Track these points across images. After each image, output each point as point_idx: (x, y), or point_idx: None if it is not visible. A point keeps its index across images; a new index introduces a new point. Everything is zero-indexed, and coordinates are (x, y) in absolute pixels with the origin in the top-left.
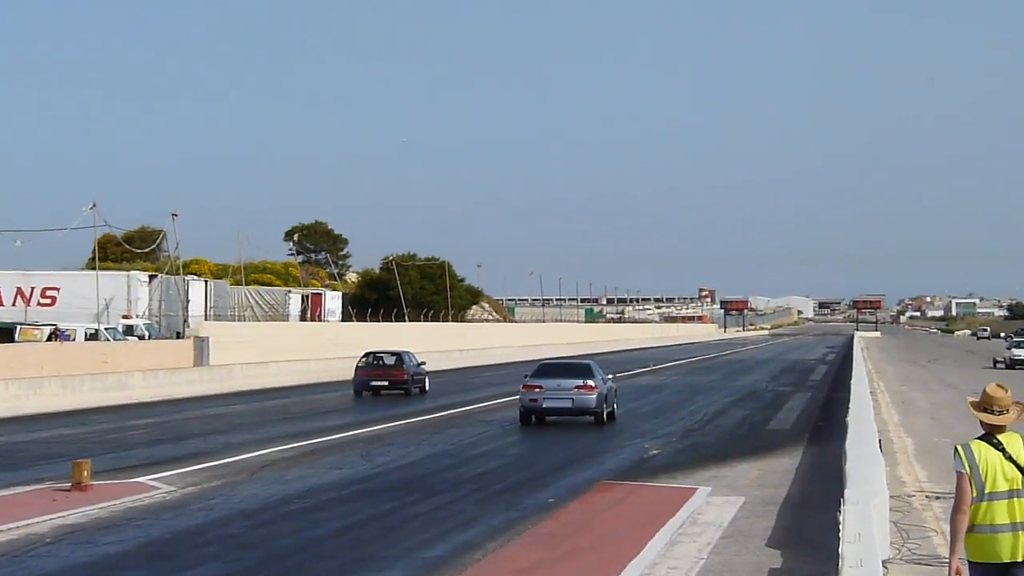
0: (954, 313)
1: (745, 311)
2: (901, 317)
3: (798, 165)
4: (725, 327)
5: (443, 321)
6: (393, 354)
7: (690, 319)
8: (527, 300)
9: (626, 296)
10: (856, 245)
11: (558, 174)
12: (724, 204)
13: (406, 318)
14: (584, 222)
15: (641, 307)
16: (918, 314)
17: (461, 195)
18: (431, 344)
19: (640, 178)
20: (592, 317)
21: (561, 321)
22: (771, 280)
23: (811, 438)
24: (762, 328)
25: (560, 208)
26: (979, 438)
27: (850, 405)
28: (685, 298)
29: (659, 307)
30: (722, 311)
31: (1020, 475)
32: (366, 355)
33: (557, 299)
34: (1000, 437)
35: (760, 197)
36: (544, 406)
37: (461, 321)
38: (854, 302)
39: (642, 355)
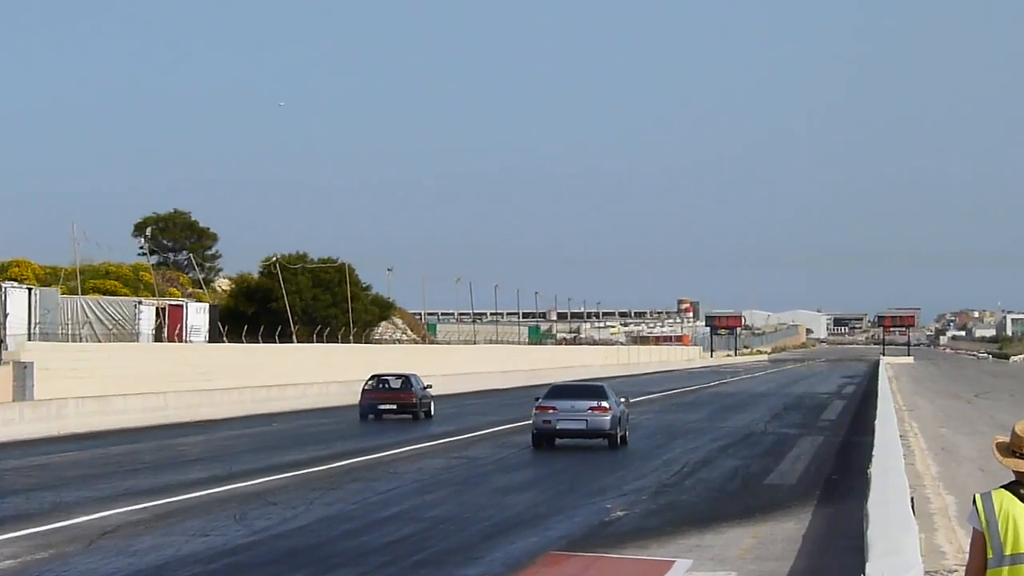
0: (1009, 332)
1: (738, 329)
2: (941, 337)
3: (805, 143)
4: (712, 350)
5: (343, 342)
6: (399, 376)
7: (667, 340)
8: (453, 315)
9: (583, 310)
10: (882, 244)
11: (494, 154)
12: (711, 193)
13: (294, 337)
14: (528, 216)
15: (603, 324)
16: (963, 333)
17: (365, 180)
18: (327, 372)
19: (600, 160)
20: (538, 337)
21: (497, 342)
22: (772, 290)
23: (823, 496)
24: (760, 351)
25: (497, 198)
26: (1004, 486)
27: (874, 453)
28: (660, 312)
29: (626, 324)
30: (708, 329)
31: None
32: (372, 378)
33: (492, 313)
34: None
35: (758, 184)
36: (558, 427)
37: (367, 342)
38: (879, 318)
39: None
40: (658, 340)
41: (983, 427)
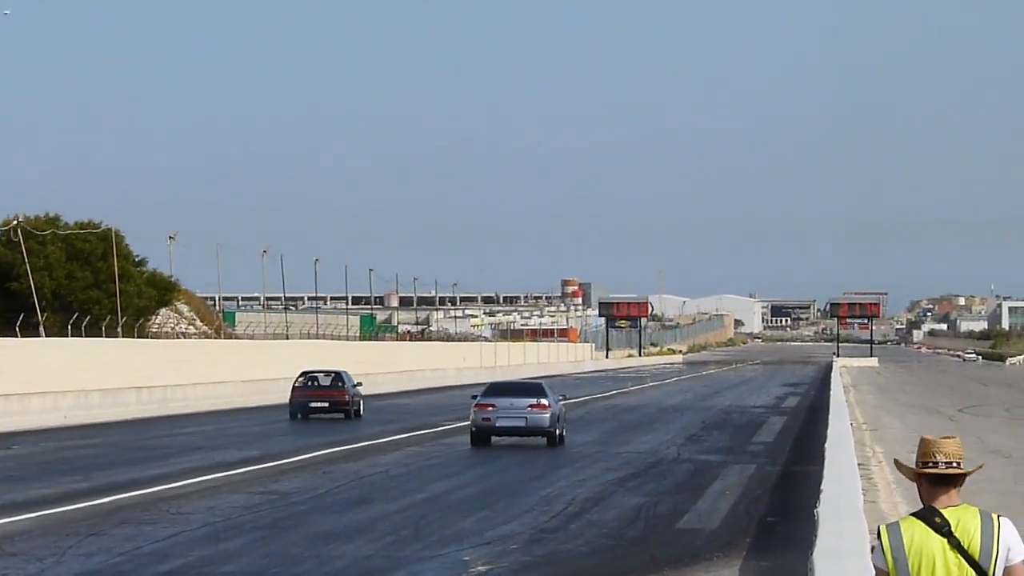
0: (1005, 325)
1: (644, 321)
2: (915, 332)
3: (727, 80)
4: (608, 348)
5: (109, 335)
6: (329, 373)
7: (547, 334)
8: (258, 300)
9: (433, 294)
10: (835, 210)
11: (316, 89)
12: (608, 150)
13: (41, 328)
14: (362, 174)
15: (461, 312)
16: (944, 327)
17: (139, 121)
18: (87, 376)
19: (463, 107)
20: (372, 329)
21: (317, 337)
22: (690, 270)
23: (755, 545)
24: (673, 350)
25: (317, 148)
26: (915, 514)
27: (823, 487)
28: (539, 298)
29: (492, 314)
30: (603, 320)
31: (972, 573)
32: (301, 375)
33: (312, 298)
34: (947, 513)
35: (669, 136)
36: (498, 425)
37: (140, 336)
38: (832, 306)
39: (449, 401)
40: (535, 334)
41: (969, 452)
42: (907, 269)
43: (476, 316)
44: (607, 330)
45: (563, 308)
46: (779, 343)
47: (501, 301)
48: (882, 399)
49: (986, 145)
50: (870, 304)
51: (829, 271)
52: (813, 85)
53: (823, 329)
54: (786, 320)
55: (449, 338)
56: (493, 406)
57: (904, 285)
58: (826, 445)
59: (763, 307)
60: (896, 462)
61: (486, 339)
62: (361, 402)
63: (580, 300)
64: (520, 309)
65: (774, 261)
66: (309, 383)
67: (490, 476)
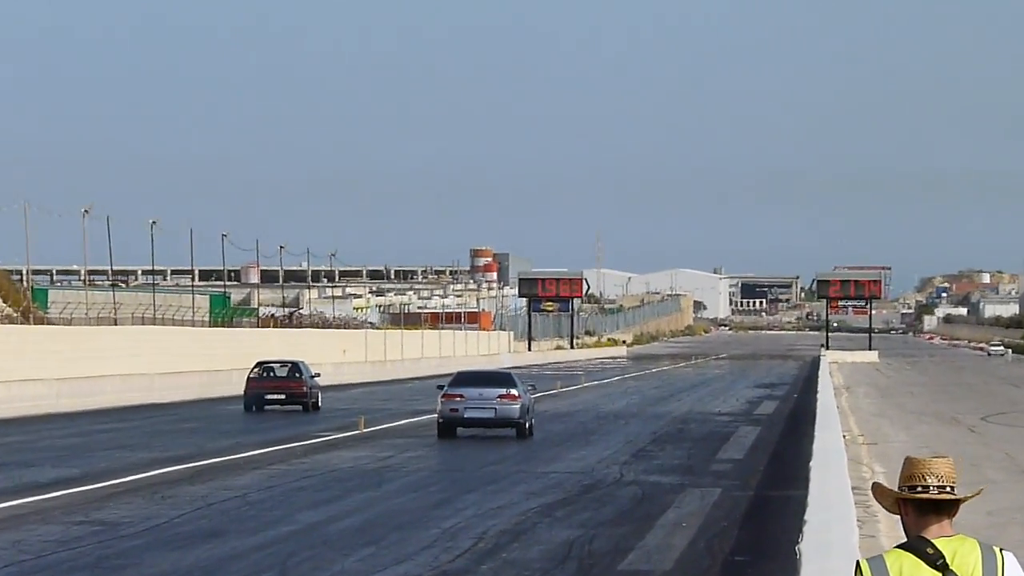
0: None
1: (578, 302)
2: (926, 318)
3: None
4: (531, 338)
5: None
6: (285, 364)
7: (452, 319)
8: (78, 275)
9: (305, 267)
10: (824, 164)
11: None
12: (529, 90)
13: None
14: (214, 116)
15: (342, 290)
16: (963, 311)
17: None
18: None
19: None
20: (226, 312)
21: (155, 322)
22: (637, 238)
23: None
24: (616, 341)
25: (153, 90)
26: (901, 546)
27: (807, 518)
28: (441, 272)
29: (381, 292)
30: (524, 302)
31: None
32: (257, 365)
33: (148, 272)
34: (940, 544)
35: (606, 78)
36: (466, 416)
37: None
38: (819, 283)
39: (325, 405)
40: (437, 320)
41: (996, 472)
42: (916, 237)
43: (360, 296)
44: (529, 314)
45: (473, 286)
46: (752, 332)
47: (393, 277)
48: (884, 404)
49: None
50: (869, 282)
51: (816, 241)
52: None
53: (809, 314)
54: (761, 303)
55: (325, 324)
56: (461, 396)
57: (912, 258)
58: (811, 464)
59: (731, 286)
60: (874, 487)
61: (373, 325)
62: (320, 394)
63: (495, 276)
64: (417, 287)
65: (745, 228)
66: (265, 374)
67: (377, 502)
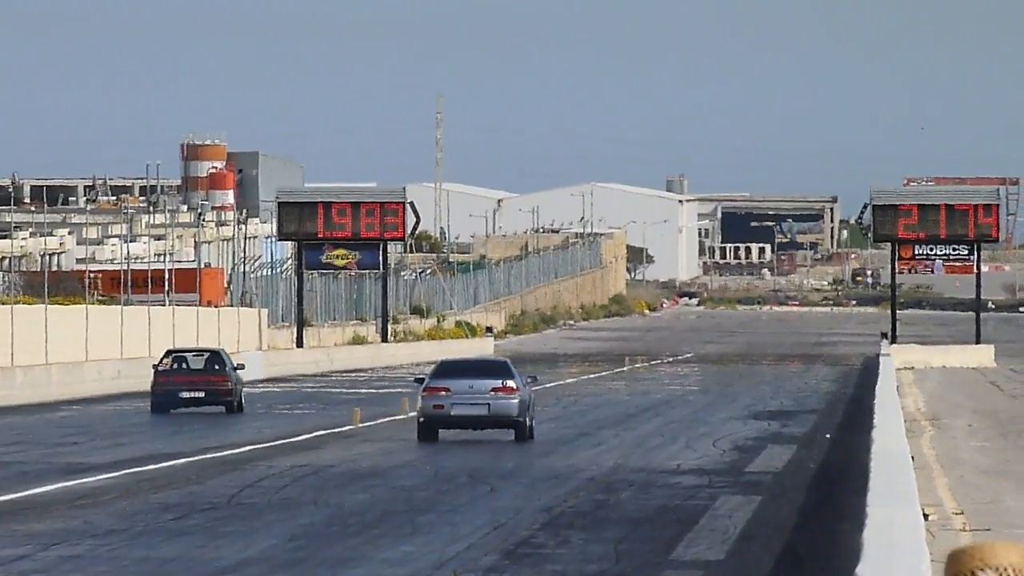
0: None
1: (399, 250)
2: None
3: None
4: (304, 321)
5: None
6: (201, 352)
7: (146, 283)
8: None
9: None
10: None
11: None
12: None
13: None
14: None
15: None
16: None
17: None
18: None
19: None
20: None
21: None
22: (515, 122)
23: None
24: (473, 328)
25: None
26: None
27: None
28: (126, 187)
29: (3, 229)
30: (287, 249)
31: None
32: (166, 354)
33: None
34: None
35: None
36: (453, 413)
37: None
38: (876, 210)
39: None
40: (112, 284)
41: None
42: None
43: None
44: (300, 275)
45: (188, 218)
46: (745, 308)
47: (27, 200)
48: (1008, 452)
49: None
50: (976, 207)
51: (868, 130)
52: None
53: (856, 273)
54: (761, 250)
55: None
56: (447, 390)
57: None
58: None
59: (704, 216)
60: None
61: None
62: (243, 391)
63: (231, 198)
64: (76, 221)
65: (728, 99)
66: (177, 365)
67: None
